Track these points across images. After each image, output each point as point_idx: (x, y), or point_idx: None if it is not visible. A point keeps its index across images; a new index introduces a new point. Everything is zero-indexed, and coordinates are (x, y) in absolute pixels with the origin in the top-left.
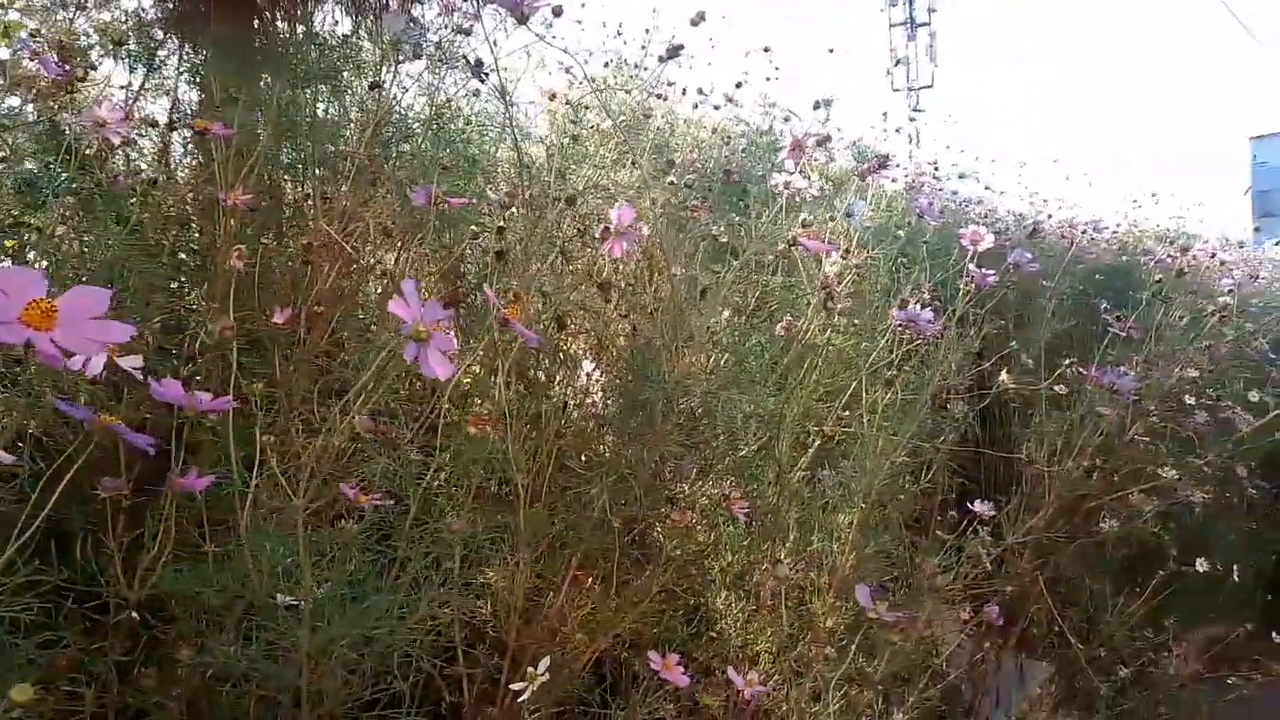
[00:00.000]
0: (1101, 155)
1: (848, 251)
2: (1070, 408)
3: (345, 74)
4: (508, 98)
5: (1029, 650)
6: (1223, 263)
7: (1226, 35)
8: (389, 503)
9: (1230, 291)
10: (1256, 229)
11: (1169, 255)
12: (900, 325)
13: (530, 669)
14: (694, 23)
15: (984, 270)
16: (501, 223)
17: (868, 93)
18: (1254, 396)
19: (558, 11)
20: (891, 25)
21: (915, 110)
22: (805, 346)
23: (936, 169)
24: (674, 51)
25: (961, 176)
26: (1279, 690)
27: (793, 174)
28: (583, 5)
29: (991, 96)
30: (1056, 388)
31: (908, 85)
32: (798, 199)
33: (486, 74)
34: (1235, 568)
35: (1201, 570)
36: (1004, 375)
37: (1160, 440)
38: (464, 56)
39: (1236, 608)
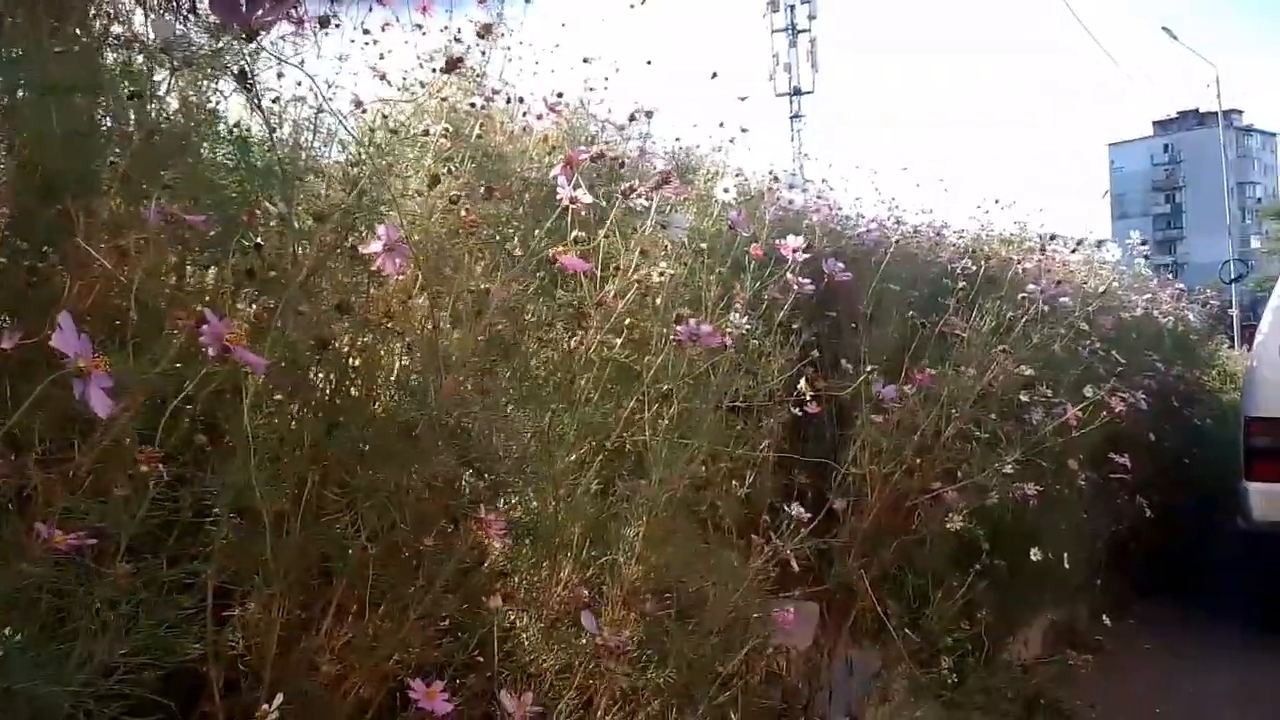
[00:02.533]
0: (971, 159)
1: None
2: (889, 411)
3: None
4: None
5: (859, 644)
6: (1065, 264)
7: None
8: (90, 541)
9: (1034, 295)
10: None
11: (980, 259)
12: (683, 339)
13: (266, 705)
14: (480, 34)
15: (802, 279)
16: (259, 240)
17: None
18: (1089, 392)
19: (324, 22)
20: (773, 31)
21: (796, 116)
22: (584, 362)
23: (776, 179)
24: (453, 65)
25: (790, 188)
26: (1115, 667)
27: (566, 189)
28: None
29: (869, 103)
30: (877, 390)
31: (790, 90)
32: (633, 209)
33: (250, 85)
34: (1065, 555)
35: (1035, 559)
36: (802, 383)
37: (971, 441)
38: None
39: (1071, 593)
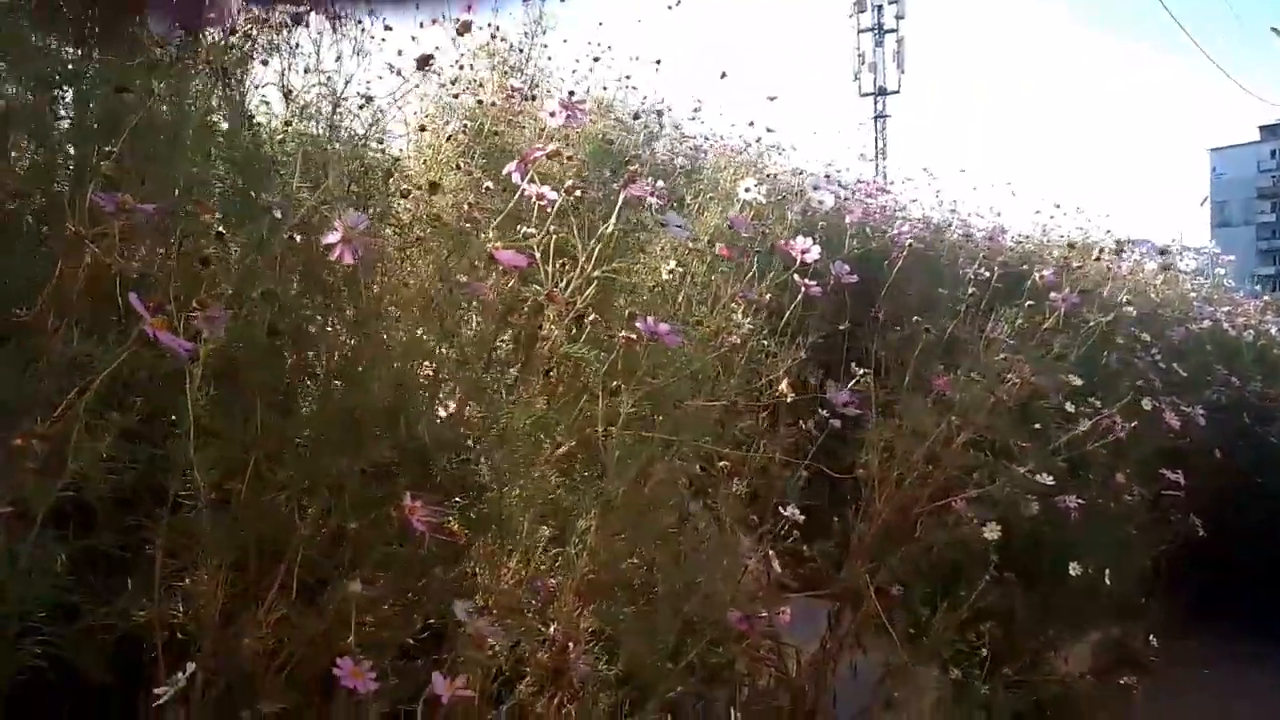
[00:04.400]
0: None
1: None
2: (899, 416)
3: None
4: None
5: (863, 649)
6: (1131, 274)
7: (1186, 59)
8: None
9: (1055, 303)
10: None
11: (994, 265)
12: (644, 334)
13: (179, 674)
14: (459, 32)
15: (808, 281)
16: (220, 227)
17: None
18: (1147, 405)
19: (298, 19)
20: (859, 31)
21: (879, 116)
22: (536, 355)
23: (808, 179)
24: (423, 63)
25: (815, 189)
26: (1167, 690)
27: (522, 184)
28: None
29: (959, 105)
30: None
31: (875, 90)
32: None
33: (230, 81)
34: (1107, 572)
35: (1074, 574)
36: (783, 385)
37: (985, 450)
38: (212, 61)
39: (1120, 611)
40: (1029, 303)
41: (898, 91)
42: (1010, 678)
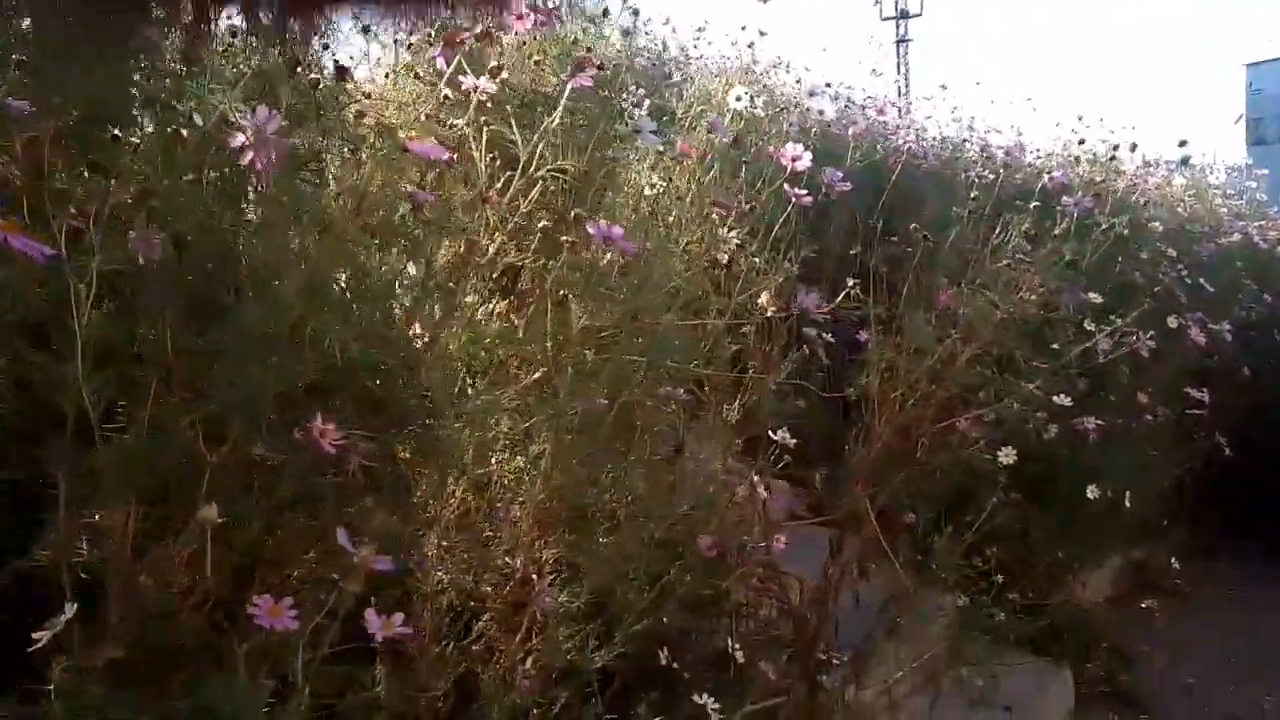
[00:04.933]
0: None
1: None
2: (899, 333)
3: None
4: None
5: (865, 578)
6: (1158, 187)
7: None
8: None
9: (1067, 208)
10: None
11: (998, 169)
12: (596, 240)
13: (60, 616)
14: None
15: (799, 191)
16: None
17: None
18: (1173, 322)
19: None
20: None
21: (902, 40)
22: (476, 264)
23: (809, 90)
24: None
25: (811, 94)
26: (1193, 612)
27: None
28: None
29: (985, 26)
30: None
31: (896, 14)
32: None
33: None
34: (1127, 495)
35: (1092, 497)
36: (763, 297)
37: (992, 368)
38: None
39: (1142, 534)
40: (1034, 204)
41: (920, 14)
42: (1021, 602)
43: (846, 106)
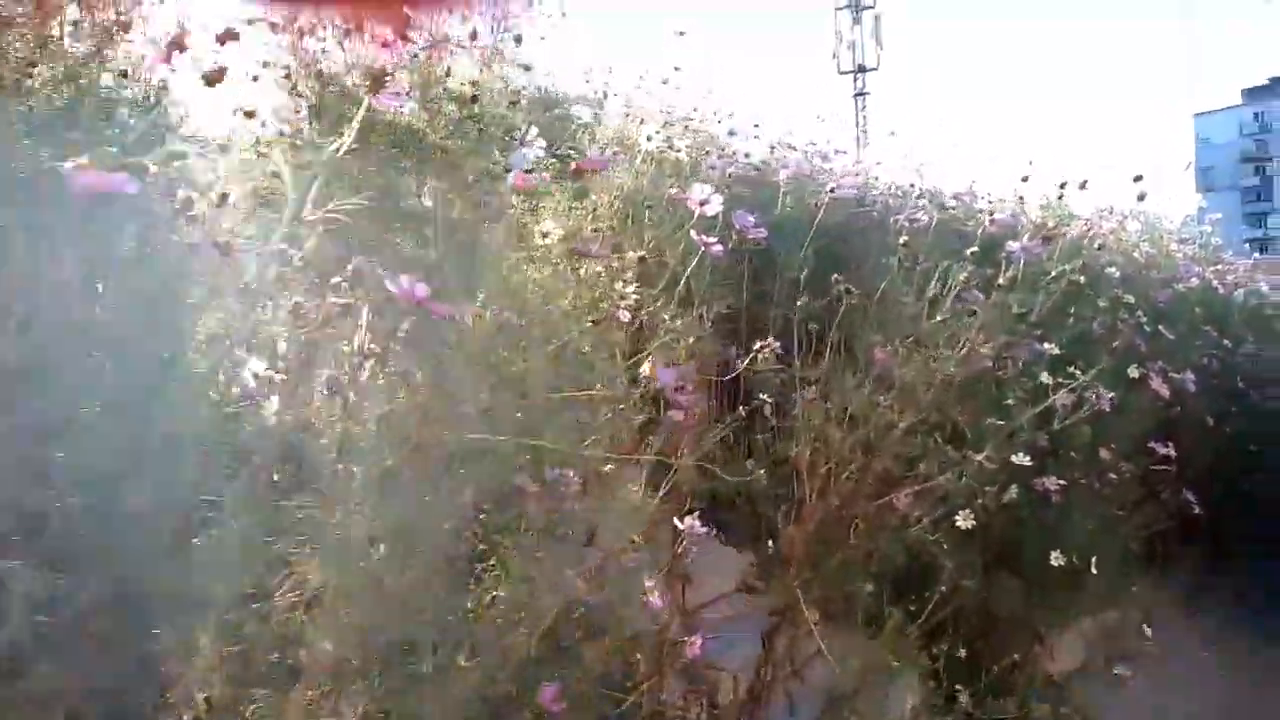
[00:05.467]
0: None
1: None
2: (829, 398)
3: None
4: None
5: (799, 676)
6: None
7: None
8: None
9: (1019, 252)
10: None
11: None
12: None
13: None
14: None
15: (708, 239)
16: None
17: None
18: (1134, 373)
19: None
20: (837, 9)
21: (860, 94)
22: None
23: (731, 131)
24: None
25: (731, 134)
26: (1165, 678)
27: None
28: None
29: (939, 77)
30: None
31: (854, 68)
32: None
33: None
34: (1094, 560)
35: (1057, 564)
36: (645, 366)
37: (932, 435)
38: None
39: (1108, 599)
40: (973, 250)
41: (876, 69)
42: (987, 680)
43: (774, 149)
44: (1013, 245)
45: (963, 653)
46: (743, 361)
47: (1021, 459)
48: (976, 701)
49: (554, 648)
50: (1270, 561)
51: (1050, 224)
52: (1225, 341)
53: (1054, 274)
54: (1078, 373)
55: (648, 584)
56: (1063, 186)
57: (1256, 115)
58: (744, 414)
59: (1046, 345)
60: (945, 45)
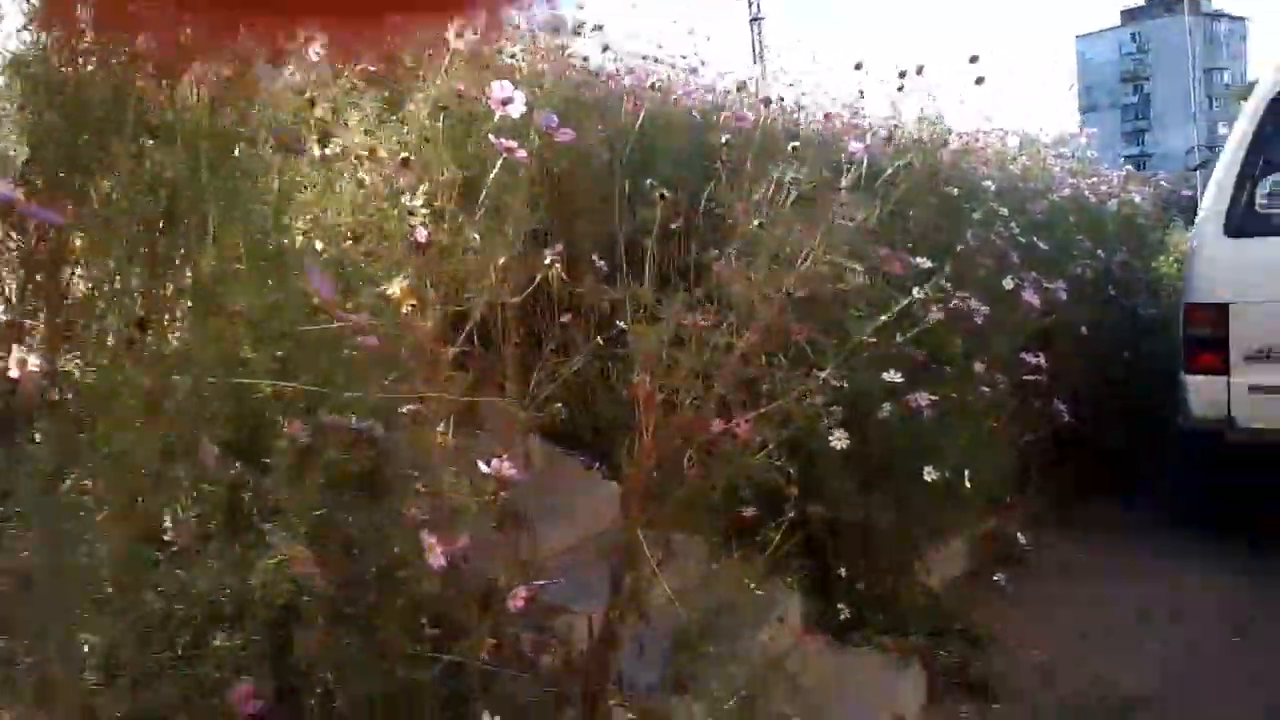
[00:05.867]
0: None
1: None
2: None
3: None
4: None
5: (646, 619)
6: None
7: None
8: None
9: (855, 154)
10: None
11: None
12: None
13: None
14: None
15: (509, 143)
16: None
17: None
18: (1008, 284)
19: None
20: None
21: (755, 19)
22: None
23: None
24: None
25: (576, 33)
26: (1042, 583)
27: None
28: None
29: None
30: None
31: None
32: None
33: None
34: (967, 473)
35: (931, 479)
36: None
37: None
38: None
39: (988, 510)
40: (793, 145)
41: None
42: (867, 593)
43: (616, 57)
44: (855, 145)
45: (842, 570)
46: (554, 271)
47: (893, 376)
48: (855, 615)
49: (336, 604)
50: (1142, 462)
51: (925, 137)
52: (1099, 251)
53: (890, 170)
54: (947, 284)
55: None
56: (902, 75)
57: (1134, 36)
58: (559, 341)
59: (919, 259)
60: None
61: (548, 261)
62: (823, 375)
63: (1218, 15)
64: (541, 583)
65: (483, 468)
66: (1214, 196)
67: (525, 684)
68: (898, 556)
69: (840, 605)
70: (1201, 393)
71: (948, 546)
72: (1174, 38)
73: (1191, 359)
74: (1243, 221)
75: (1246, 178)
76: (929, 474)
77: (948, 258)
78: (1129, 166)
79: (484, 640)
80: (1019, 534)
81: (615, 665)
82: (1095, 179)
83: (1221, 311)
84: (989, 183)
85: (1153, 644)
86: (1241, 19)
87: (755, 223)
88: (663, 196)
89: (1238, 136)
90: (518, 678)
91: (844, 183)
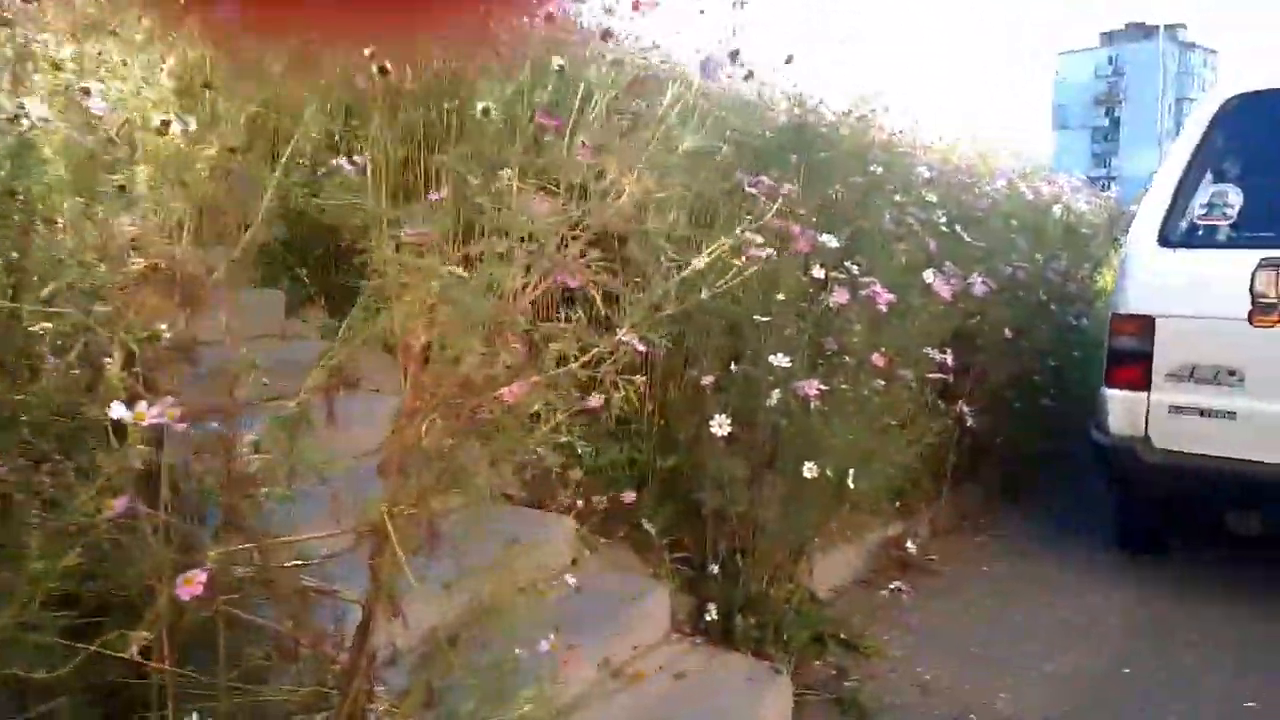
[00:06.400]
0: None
1: None
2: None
3: None
4: None
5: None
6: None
7: None
8: None
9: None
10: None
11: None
12: None
13: None
14: None
15: None
16: None
17: None
18: (929, 277)
19: None
20: None
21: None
22: None
23: None
24: None
25: None
26: (944, 593)
27: None
28: None
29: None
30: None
31: None
32: None
33: None
34: (851, 473)
35: (810, 475)
36: None
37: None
38: None
39: (891, 511)
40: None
41: None
42: (743, 597)
43: None
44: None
45: (715, 568)
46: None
47: (780, 360)
48: (725, 619)
49: None
50: (1059, 472)
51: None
52: (1037, 255)
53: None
54: (854, 268)
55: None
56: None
57: (1110, 59)
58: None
59: (825, 237)
60: None
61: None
62: (621, 335)
63: (1191, 45)
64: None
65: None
66: (1151, 205)
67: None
68: (780, 556)
69: (711, 604)
70: (1120, 408)
71: (841, 550)
72: (1148, 63)
73: (1113, 372)
74: (1177, 232)
75: (1185, 188)
76: (809, 470)
77: (864, 241)
78: (1083, 175)
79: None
80: (920, 541)
81: (375, 649)
82: (1043, 182)
83: (1147, 324)
84: (924, 169)
85: (1046, 665)
86: (1214, 51)
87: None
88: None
89: (1180, 148)
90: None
91: (661, 112)
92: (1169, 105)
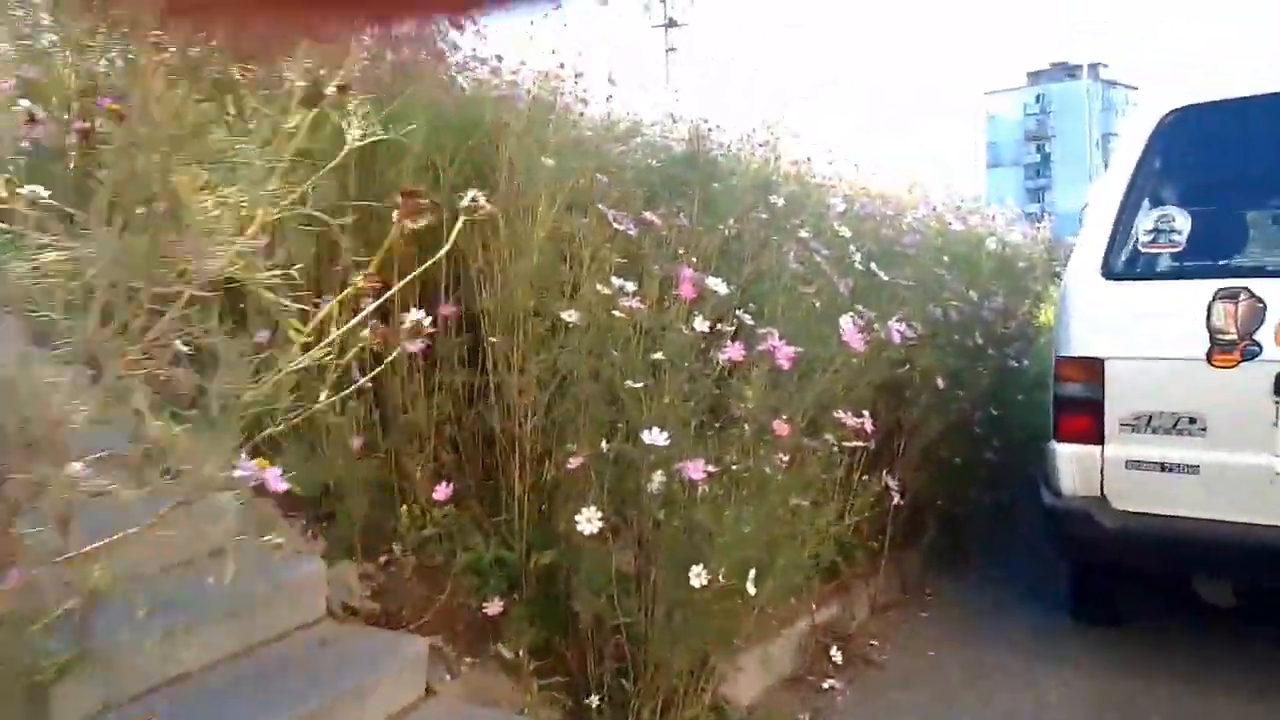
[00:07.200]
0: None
1: None
2: None
3: None
4: None
5: None
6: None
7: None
8: None
9: None
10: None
11: None
12: None
13: None
14: None
15: None
16: None
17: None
18: (845, 322)
19: None
20: None
21: (670, 49)
22: None
23: None
24: None
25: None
26: (881, 688)
27: None
28: None
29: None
30: None
31: (665, 22)
32: None
33: None
34: (751, 574)
35: (699, 583)
36: None
37: None
38: None
39: (776, 622)
40: None
41: (687, 25)
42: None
43: None
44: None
45: (594, 700)
46: None
47: (656, 436)
48: None
49: None
50: (1005, 534)
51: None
52: (971, 293)
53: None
54: (747, 316)
55: None
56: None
57: (1038, 97)
58: None
59: (711, 280)
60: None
61: None
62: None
63: (1113, 83)
64: None
65: None
66: (1090, 233)
67: None
68: (681, 665)
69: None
70: (1071, 465)
71: (764, 646)
72: (1074, 101)
73: (1061, 423)
74: (1122, 262)
75: (1128, 213)
76: (697, 577)
77: (764, 284)
78: (1018, 208)
79: None
80: (859, 623)
81: None
82: (972, 213)
83: (1096, 367)
84: (836, 201)
85: None
86: (1134, 87)
87: None
88: None
89: (1118, 168)
90: None
91: None
92: (1096, 141)
